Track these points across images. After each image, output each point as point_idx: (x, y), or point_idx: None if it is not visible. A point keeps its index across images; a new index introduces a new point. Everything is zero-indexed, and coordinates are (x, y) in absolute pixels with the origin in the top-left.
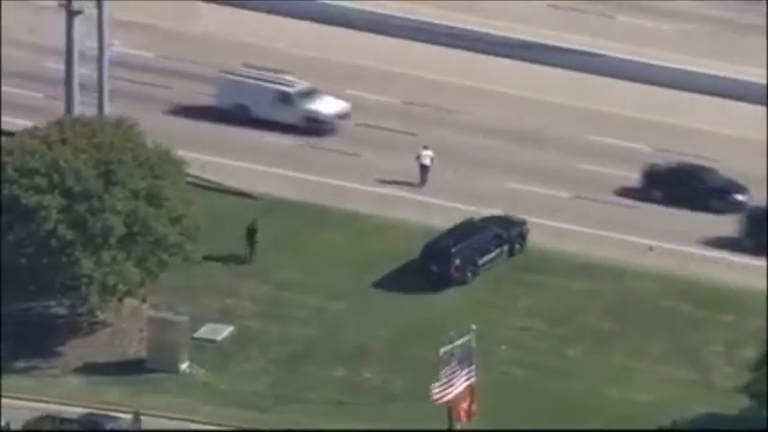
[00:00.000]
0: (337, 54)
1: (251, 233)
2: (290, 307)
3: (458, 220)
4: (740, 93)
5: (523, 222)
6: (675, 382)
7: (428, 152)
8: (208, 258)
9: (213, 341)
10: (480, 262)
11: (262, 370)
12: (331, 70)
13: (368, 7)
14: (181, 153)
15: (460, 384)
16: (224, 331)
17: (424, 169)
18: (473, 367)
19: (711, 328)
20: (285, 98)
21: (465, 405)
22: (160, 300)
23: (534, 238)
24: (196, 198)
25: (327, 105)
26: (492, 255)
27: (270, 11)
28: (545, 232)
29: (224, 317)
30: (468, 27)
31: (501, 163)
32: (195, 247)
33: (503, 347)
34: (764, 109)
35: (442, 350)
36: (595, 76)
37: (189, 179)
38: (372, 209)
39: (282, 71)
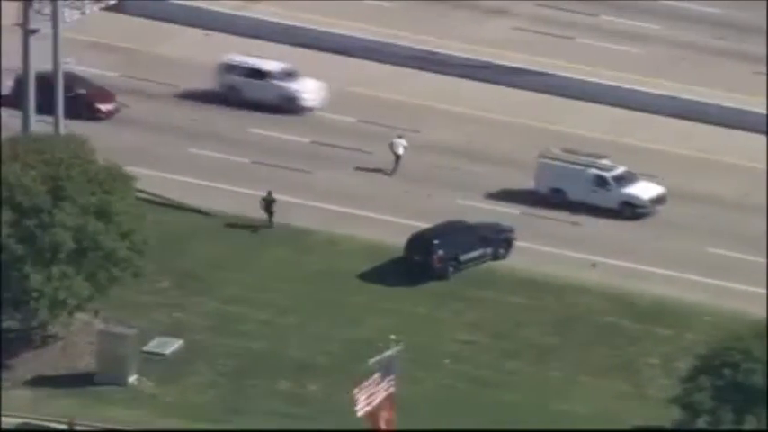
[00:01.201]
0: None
1: (269, 203)
2: (238, 321)
3: (406, 236)
4: (699, 113)
5: (511, 230)
6: (613, 394)
7: (402, 141)
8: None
9: (162, 355)
10: (463, 258)
11: (209, 383)
12: None
13: (325, 28)
14: (138, 170)
15: (380, 395)
16: (173, 345)
17: (397, 158)
18: (392, 378)
19: (649, 342)
20: (602, 183)
21: (385, 415)
22: (112, 314)
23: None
24: (148, 214)
25: (644, 190)
26: (475, 254)
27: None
28: None
29: (174, 331)
30: (431, 49)
31: (453, 181)
32: (145, 262)
33: (446, 361)
34: (720, 129)
35: (370, 361)
36: (552, 96)
37: (143, 195)
38: (322, 225)
39: (600, 155)
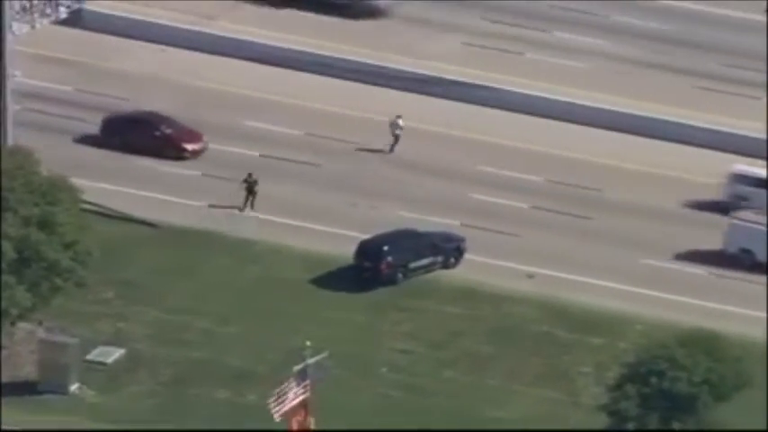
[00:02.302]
0: (239, 86)
1: (251, 185)
2: (179, 331)
3: (348, 247)
4: (638, 127)
5: (462, 239)
6: (546, 402)
7: (400, 121)
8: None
9: (104, 363)
10: (412, 266)
11: (149, 392)
12: (233, 102)
13: (279, 43)
14: (84, 182)
15: (293, 399)
16: (115, 354)
17: (396, 138)
18: (307, 383)
19: (582, 351)
20: None
21: (299, 418)
22: (55, 323)
23: None
24: (94, 225)
25: None
26: (424, 261)
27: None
28: None
29: (116, 340)
30: (379, 63)
31: (395, 192)
32: (88, 273)
33: (384, 369)
34: (658, 143)
35: (295, 368)
36: (494, 110)
37: (89, 207)
38: (266, 235)
39: None
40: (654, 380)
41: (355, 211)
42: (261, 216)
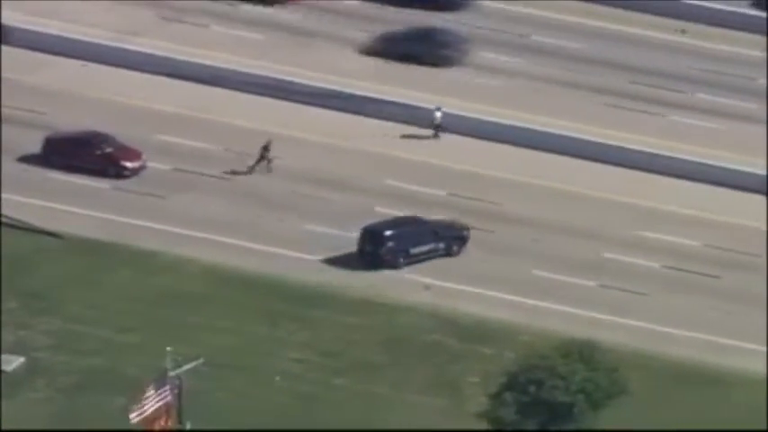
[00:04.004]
0: (154, 101)
1: (265, 148)
2: (80, 339)
3: (252, 261)
4: (545, 143)
5: (466, 228)
6: (434, 410)
7: (439, 113)
8: None
9: (2, 372)
10: (413, 251)
11: (46, 399)
12: (149, 117)
13: (192, 58)
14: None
15: (154, 404)
16: (14, 362)
17: (437, 128)
18: (167, 388)
19: (471, 361)
20: None
21: (161, 423)
22: None
23: (320, 277)
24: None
25: None
26: (426, 248)
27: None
28: (332, 271)
29: (17, 349)
30: (287, 78)
31: (301, 206)
32: None
33: (277, 378)
34: (563, 158)
35: (170, 374)
36: (402, 125)
37: None
38: (170, 247)
39: None
40: (532, 388)
41: (262, 225)
42: (169, 229)
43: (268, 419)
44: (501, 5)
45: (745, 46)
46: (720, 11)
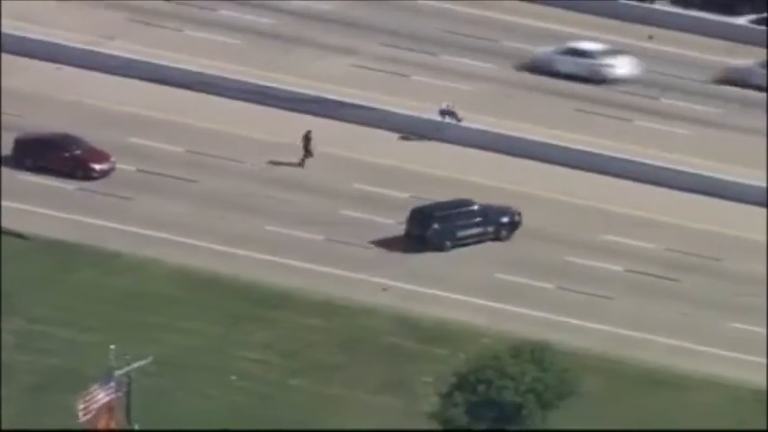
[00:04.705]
0: (127, 104)
1: (307, 140)
2: (42, 339)
3: (214, 262)
4: (511, 147)
5: (518, 213)
6: (386, 410)
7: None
8: None
9: None
10: (460, 234)
11: (8, 398)
12: (120, 120)
13: (165, 62)
14: None
15: (98, 403)
16: None
17: (448, 114)
18: (112, 386)
19: (426, 362)
20: None
21: (104, 421)
22: None
23: (282, 278)
24: None
25: None
26: (473, 231)
27: (76, 65)
28: (290, 272)
29: None
30: (264, 83)
31: (265, 208)
32: None
33: (233, 378)
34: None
35: (117, 372)
36: (369, 129)
37: None
38: (137, 249)
39: None
40: (482, 388)
41: (225, 226)
42: (134, 230)
43: (225, 419)
44: (470, 10)
45: (708, 51)
46: (686, 16)
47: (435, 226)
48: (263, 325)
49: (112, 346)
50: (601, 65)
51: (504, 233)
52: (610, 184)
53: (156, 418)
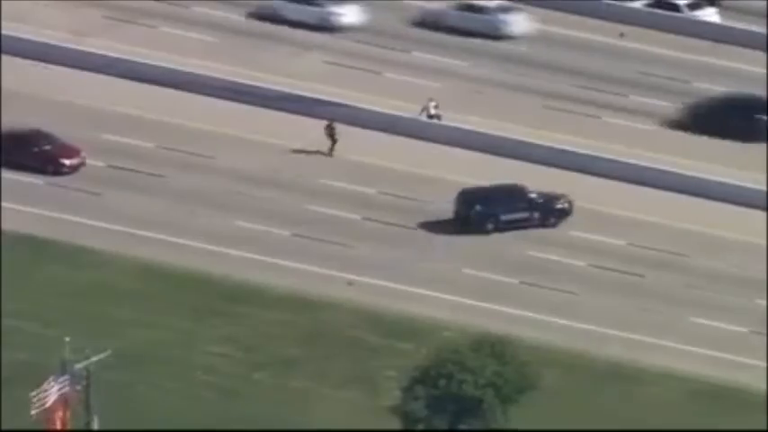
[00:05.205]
0: (91, 99)
1: (331, 129)
2: (8, 334)
3: (180, 256)
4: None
5: (568, 201)
6: (349, 404)
7: (433, 102)
8: None
9: None
10: (504, 218)
11: None
12: (87, 115)
13: (140, 59)
14: None
15: (52, 396)
16: None
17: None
18: (66, 379)
19: (389, 356)
20: None
21: (59, 414)
22: None
23: (247, 273)
24: None
25: None
26: (518, 215)
27: (51, 61)
28: (256, 267)
29: None
30: (236, 79)
31: (233, 203)
32: None
33: (198, 372)
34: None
35: (76, 366)
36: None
37: None
38: (105, 244)
39: None
40: (442, 382)
41: (193, 221)
42: (103, 225)
43: (189, 413)
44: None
45: (680, 49)
46: (659, 15)
47: (478, 207)
48: (228, 319)
49: (67, 339)
50: (496, 21)
51: (551, 220)
52: (574, 179)
53: (119, 412)
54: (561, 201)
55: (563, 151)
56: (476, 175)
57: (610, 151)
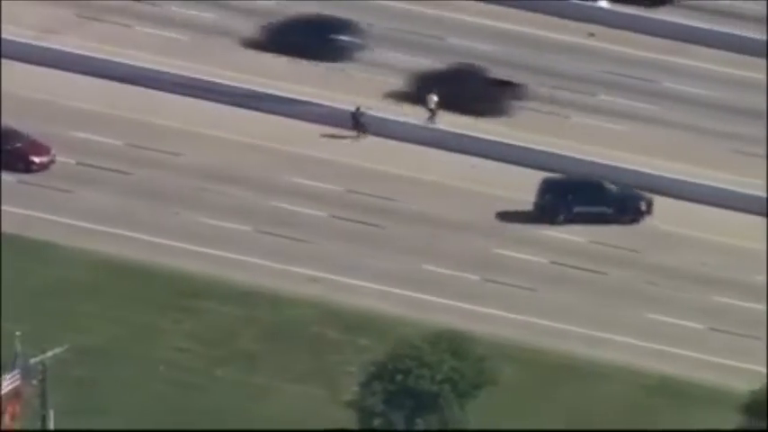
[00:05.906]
0: (64, 97)
1: (356, 116)
2: None
3: (145, 252)
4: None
5: (648, 200)
6: (308, 398)
7: (434, 97)
8: None
9: None
10: (577, 210)
11: None
12: (57, 112)
13: (112, 57)
14: None
15: (5, 389)
16: None
17: (431, 111)
18: (16, 372)
19: (350, 351)
20: None
21: (9, 409)
22: None
23: (205, 268)
24: None
25: None
26: (592, 209)
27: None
28: (218, 262)
29: None
30: (203, 77)
31: (199, 200)
32: None
33: (161, 368)
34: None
35: (32, 360)
36: (301, 122)
37: None
38: (71, 240)
39: None
40: (399, 377)
41: (158, 218)
42: (70, 221)
43: (150, 408)
44: (411, 6)
45: (652, 50)
46: (628, 15)
47: (548, 197)
48: (190, 315)
49: (18, 333)
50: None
51: (626, 218)
52: (537, 177)
53: (80, 407)
54: (640, 200)
55: (529, 149)
56: (443, 174)
57: (575, 150)
